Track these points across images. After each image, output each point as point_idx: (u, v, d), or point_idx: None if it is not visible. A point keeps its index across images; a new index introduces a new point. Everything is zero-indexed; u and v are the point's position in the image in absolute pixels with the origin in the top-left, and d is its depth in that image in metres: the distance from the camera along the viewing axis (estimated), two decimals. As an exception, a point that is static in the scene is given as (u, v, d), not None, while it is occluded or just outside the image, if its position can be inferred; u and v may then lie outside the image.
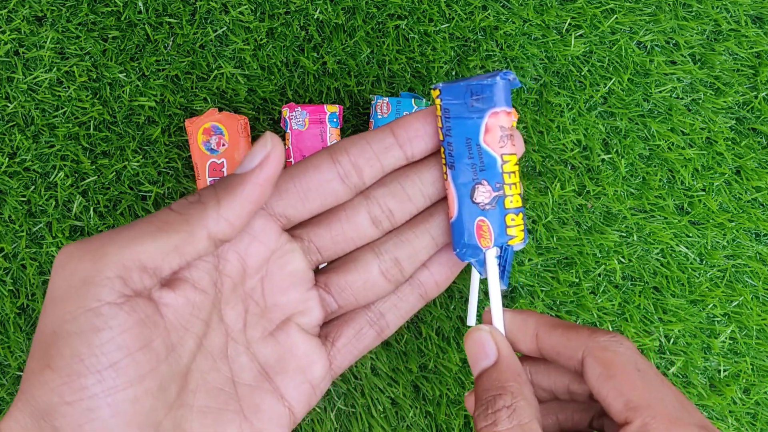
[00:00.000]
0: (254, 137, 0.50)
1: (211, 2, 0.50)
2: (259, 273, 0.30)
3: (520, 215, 0.31)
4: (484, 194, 0.30)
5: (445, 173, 0.31)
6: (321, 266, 0.32)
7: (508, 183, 0.30)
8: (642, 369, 0.29)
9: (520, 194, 0.31)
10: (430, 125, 0.31)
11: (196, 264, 0.28)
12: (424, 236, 0.32)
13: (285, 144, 0.49)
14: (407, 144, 0.31)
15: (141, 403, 0.25)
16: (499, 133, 0.30)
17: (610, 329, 0.51)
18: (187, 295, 0.27)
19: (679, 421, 0.27)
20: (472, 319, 0.33)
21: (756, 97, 0.53)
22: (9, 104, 0.49)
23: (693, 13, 0.53)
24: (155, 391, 0.25)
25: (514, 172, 0.31)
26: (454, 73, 0.51)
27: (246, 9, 0.50)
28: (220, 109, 0.50)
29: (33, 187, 0.49)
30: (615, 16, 0.52)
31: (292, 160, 0.47)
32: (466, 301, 0.50)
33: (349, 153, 0.30)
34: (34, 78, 0.49)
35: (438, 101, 0.30)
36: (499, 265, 0.32)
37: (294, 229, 0.31)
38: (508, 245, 0.31)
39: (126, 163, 0.50)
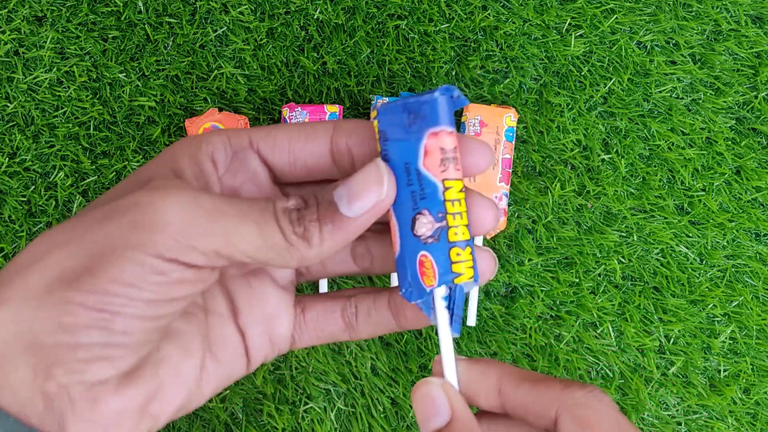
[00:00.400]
0: (254, 137, 0.50)
1: (211, 2, 0.50)
2: None
3: (468, 249, 0.28)
4: (425, 225, 0.27)
5: None
6: (291, 203, 0.31)
7: (451, 212, 0.27)
8: (624, 430, 0.26)
9: (467, 225, 0.27)
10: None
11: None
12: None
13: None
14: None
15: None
16: (440, 155, 0.27)
17: (611, 329, 0.51)
18: None
19: None
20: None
21: (756, 97, 0.53)
22: (9, 104, 0.49)
23: (693, 13, 0.53)
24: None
25: (459, 200, 0.27)
26: (454, 73, 0.51)
27: (246, 9, 0.50)
28: (220, 109, 0.50)
29: (33, 187, 0.49)
30: (615, 16, 0.52)
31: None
32: (466, 300, 0.50)
33: (350, 137, 0.29)
34: (34, 78, 0.49)
35: (375, 123, 0.27)
36: (448, 308, 0.28)
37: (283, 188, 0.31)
38: (455, 284, 0.27)
39: (126, 163, 0.50)
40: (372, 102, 0.48)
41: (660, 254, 0.52)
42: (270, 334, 0.30)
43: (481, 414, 0.30)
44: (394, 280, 0.49)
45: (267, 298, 0.30)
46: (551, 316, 0.51)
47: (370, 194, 0.26)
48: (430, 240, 0.27)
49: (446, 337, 0.28)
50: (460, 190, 0.27)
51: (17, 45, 0.49)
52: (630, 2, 0.52)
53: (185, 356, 0.28)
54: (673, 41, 0.53)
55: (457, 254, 0.27)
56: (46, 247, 0.25)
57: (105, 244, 0.25)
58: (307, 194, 0.27)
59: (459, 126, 0.50)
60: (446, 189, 0.27)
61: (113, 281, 0.24)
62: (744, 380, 0.52)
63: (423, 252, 0.27)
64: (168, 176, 0.28)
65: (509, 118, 0.49)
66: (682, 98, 0.52)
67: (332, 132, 0.29)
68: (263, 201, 0.26)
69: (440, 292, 0.28)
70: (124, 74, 0.49)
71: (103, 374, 0.24)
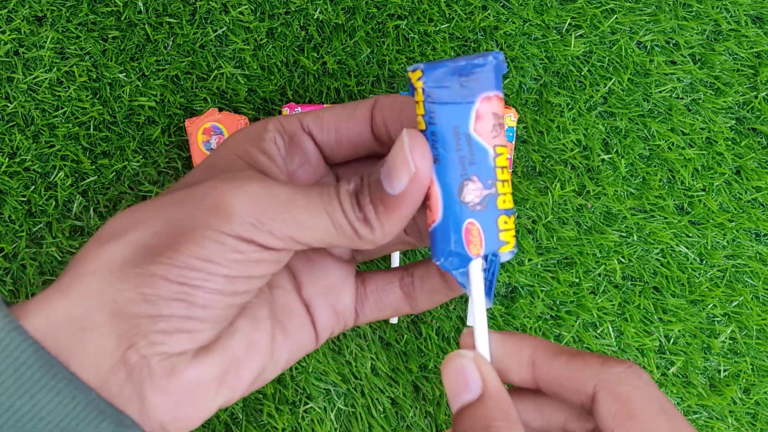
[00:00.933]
0: (254, 137, 0.50)
1: (211, 2, 0.50)
2: None
3: (512, 218, 0.27)
4: (474, 192, 0.26)
5: None
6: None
7: (500, 180, 0.26)
8: (667, 410, 0.25)
9: (511, 193, 0.27)
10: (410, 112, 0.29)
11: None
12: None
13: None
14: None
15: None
16: (492, 121, 0.26)
17: (611, 329, 0.51)
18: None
19: None
20: (472, 319, 0.31)
21: (756, 97, 0.53)
22: (9, 104, 0.49)
23: (693, 13, 0.53)
24: None
25: (506, 167, 0.26)
26: (454, 73, 0.51)
27: (246, 9, 0.50)
28: (220, 109, 0.50)
29: (33, 187, 0.49)
30: (615, 16, 0.52)
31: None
32: (466, 300, 0.50)
33: (384, 112, 0.30)
34: (34, 78, 0.49)
35: (419, 84, 0.26)
36: (486, 279, 0.27)
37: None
38: (495, 256, 0.27)
39: (126, 163, 0.50)
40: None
41: (660, 254, 0.52)
42: (334, 306, 0.31)
43: (511, 390, 0.29)
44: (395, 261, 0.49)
45: (328, 271, 0.31)
46: (551, 316, 0.51)
47: (402, 170, 0.25)
48: (478, 207, 0.26)
49: (480, 308, 0.27)
50: (507, 158, 0.26)
51: (17, 45, 0.49)
52: (630, 2, 0.52)
53: (255, 328, 0.28)
54: (673, 41, 0.53)
55: (504, 222, 0.26)
56: (127, 222, 0.26)
57: (185, 223, 0.25)
58: (363, 175, 0.27)
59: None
60: (497, 155, 0.26)
61: (194, 256, 0.24)
62: (744, 380, 0.52)
63: (470, 219, 0.26)
64: (240, 166, 0.28)
65: (509, 118, 0.49)
66: (682, 98, 0.52)
67: (372, 108, 0.29)
68: (327, 188, 0.26)
69: (479, 264, 0.27)
70: (124, 74, 0.49)
71: (182, 346, 0.25)
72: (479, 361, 0.27)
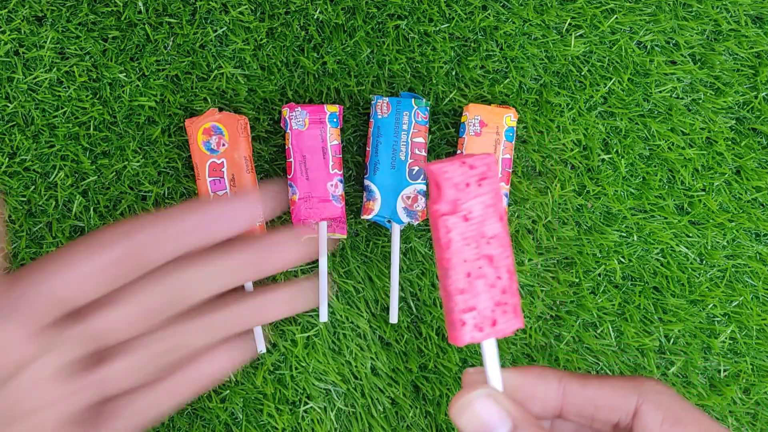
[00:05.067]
0: (254, 137, 0.50)
1: (211, 2, 0.50)
2: (11, 379, 0.27)
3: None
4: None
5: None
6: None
7: None
8: (702, 414, 0.27)
9: None
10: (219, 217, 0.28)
11: None
12: (201, 330, 0.29)
13: (285, 144, 0.49)
14: (189, 235, 0.28)
15: None
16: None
17: (611, 329, 0.51)
18: None
19: None
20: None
21: (756, 97, 0.53)
22: (9, 104, 0.49)
23: (693, 13, 0.53)
24: None
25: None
26: (454, 73, 0.51)
27: (246, 9, 0.50)
28: (220, 109, 0.50)
29: (33, 187, 0.49)
30: (615, 16, 0.52)
31: (292, 160, 0.47)
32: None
33: (127, 242, 0.28)
34: (34, 78, 0.49)
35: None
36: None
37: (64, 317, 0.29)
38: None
39: (126, 163, 0.50)
40: (372, 102, 0.48)
41: (660, 254, 0.52)
42: None
43: None
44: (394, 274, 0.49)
45: None
46: (551, 316, 0.51)
47: None
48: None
49: (491, 347, 0.27)
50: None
51: (17, 45, 0.49)
52: (630, 2, 0.52)
53: None
54: (673, 41, 0.53)
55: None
56: None
57: None
58: None
59: (459, 126, 0.50)
60: None
61: None
62: (744, 380, 0.52)
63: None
64: None
65: (509, 118, 0.49)
66: (682, 98, 0.52)
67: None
68: None
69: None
70: (124, 74, 0.49)
71: None
72: (495, 395, 0.27)
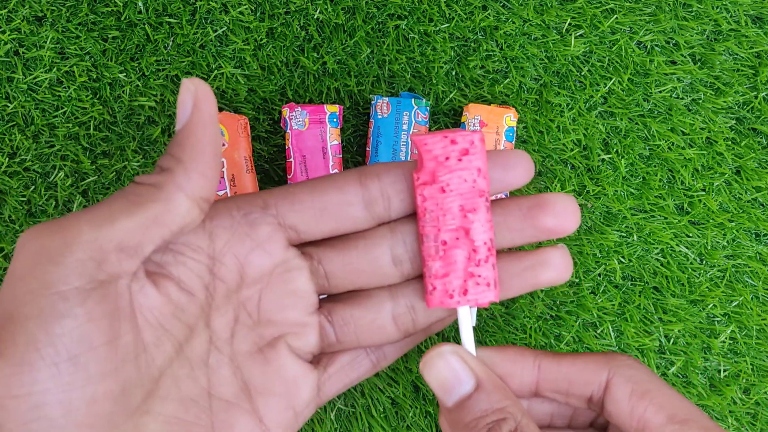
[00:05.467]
0: (254, 137, 0.50)
1: (211, 2, 0.50)
2: (258, 284, 0.27)
3: None
4: None
5: None
6: (322, 297, 0.30)
7: None
8: (671, 389, 0.27)
9: None
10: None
11: (186, 262, 0.26)
12: None
13: (285, 144, 0.49)
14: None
15: (98, 406, 0.22)
16: None
17: (611, 329, 0.51)
18: (170, 293, 0.25)
19: None
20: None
21: (756, 97, 0.53)
22: (9, 104, 0.49)
23: (693, 13, 0.53)
24: (117, 393, 0.23)
25: None
26: (454, 73, 0.51)
27: (246, 9, 0.50)
28: (220, 109, 0.50)
29: (33, 187, 0.49)
30: (615, 16, 0.52)
31: (292, 159, 0.47)
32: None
33: (381, 179, 0.27)
34: (34, 78, 0.49)
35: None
36: None
37: (304, 247, 0.29)
38: None
39: (126, 163, 0.50)
40: (372, 102, 0.48)
41: (660, 254, 0.52)
42: (293, 406, 0.28)
43: None
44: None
45: (284, 371, 0.28)
46: (551, 316, 0.51)
47: (186, 99, 0.25)
48: None
49: (465, 313, 0.28)
50: None
51: (17, 45, 0.49)
52: (630, 2, 0.52)
53: None
54: (673, 41, 0.53)
55: None
56: None
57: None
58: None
59: (459, 126, 0.50)
60: None
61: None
62: (744, 380, 0.52)
63: None
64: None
65: (509, 118, 0.49)
66: (682, 98, 0.52)
67: (360, 177, 0.28)
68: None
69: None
70: (124, 74, 0.49)
71: None
72: (460, 352, 0.27)
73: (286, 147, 0.48)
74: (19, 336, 0.21)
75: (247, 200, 0.28)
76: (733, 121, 0.53)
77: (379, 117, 0.48)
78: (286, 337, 0.28)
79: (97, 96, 0.50)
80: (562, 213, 0.27)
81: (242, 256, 0.27)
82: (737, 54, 0.53)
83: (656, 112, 0.52)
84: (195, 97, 0.25)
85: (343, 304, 0.29)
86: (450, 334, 0.51)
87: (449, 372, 0.27)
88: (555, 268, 0.28)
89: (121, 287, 0.23)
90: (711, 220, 0.52)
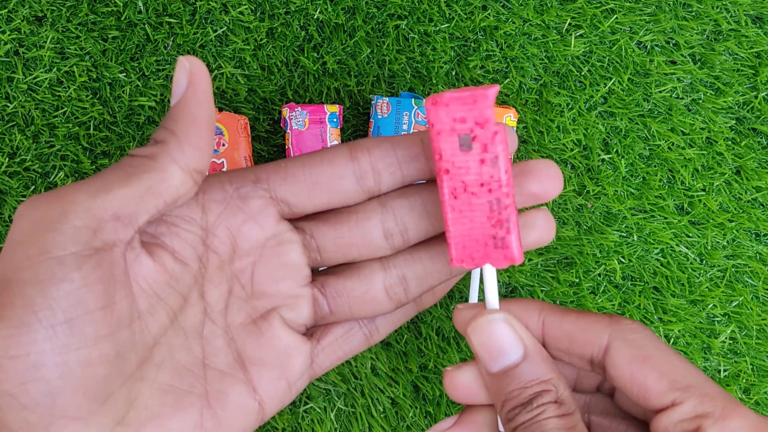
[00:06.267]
0: (254, 137, 0.50)
1: (211, 2, 0.50)
2: (250, 256, 0.28)
3: None
4: None
5: None
6: (317, 270, 0.30)
7: None
8: (675, 353, 0.27)
9: None
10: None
11: (180, 233, 0.26)
12: (440, 259, 0.29)
13: (285, 144, 0.49)
14: None
15: (93, 368, 0.23)
16: None
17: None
18: (165, 262, 0.26)
19: (734, 402, 0.25)
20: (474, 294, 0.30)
21: (756, 97, 0.53)
22: (9, 104, 0.49)
23: (693, 13, 0.53)
24: (111, 357, 0.23)
25: None
26: (454, 73, 0.51)
27: (246, 9, 0.50)
28: (220, 109, 0.50)
29: (33, 187, 0.49)
30: (615, 16, 0.52)
31: (292, 160, 0.47)
32: (466, 300, 0.50)
33: (371, 153, 0.28)
34: (34, 78, 0.49)
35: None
36: None
37: (297, 221, 0.29)
38: None
39: (126, 163, 0.50)
40: (372, 102, 0.48)
41: (660, 254, 0.52)
42: (285, 377, 0.28)
43: None
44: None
45: (277, 342, 0.28)
46: (551, 316, 0.51)
47: (181, 76, 0.26)
48: None
49: (492, 274, 0.28)
50: None
51: (17, 45, 0.49)
52: (630, 2, 0.52)
53: (176, 413, 0.26)
54: (673, 41, 0.53)
55: None
56: None
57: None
58: None
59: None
60: None
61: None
62: (744, 380, 0.52)
63: None
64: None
65: (509, 118, 0.49)
66: (682, 98, 0.52)
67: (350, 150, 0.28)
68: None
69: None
70: (124, 74, 0.49)
71: None
72: (512, 321, 0.27)
73: (286, 147, 0.48)
74: (17, 299, 0.22)
75: (239, 174, 0.28)
76: (733, 121, 0.53)
77: (379, 117, 0.48)
78: (279, 309, 0.28)
79: (97, 96, 0.50)
80: (547, 178, 0.28)
81: (234, 229, 0.28)
82: (737, 54, 0.53)
83: (656, 112, 0.52)
84: (190, 73, 0.25)
85: (335, 276, 0.29)
86: (450, 334, 0.51)
87: (498, 339, 0.27)
88: (540, 229, 0.29)
89: (116, 255, 0.24)
90: (711, 220, 0.52)
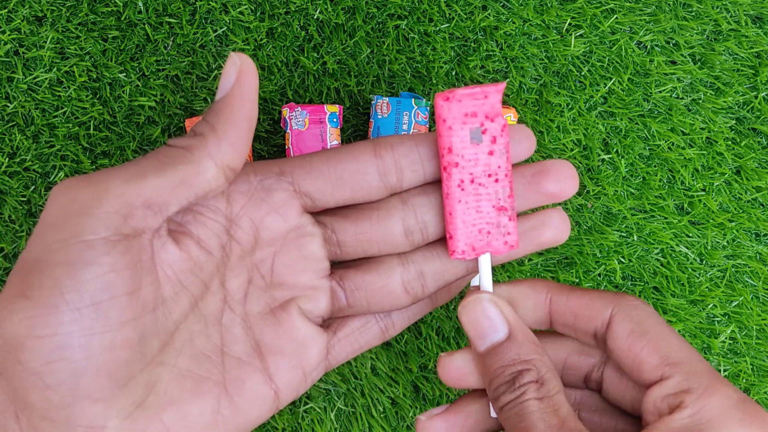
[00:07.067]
0: (254, 137, 0.50)
1: (211, 2, 0.50)
2: (272, 246, 0.28)
3: None
4: None
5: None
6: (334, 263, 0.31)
7: None
8: (673, 330, 0.28)
9: None
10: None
11: (206, 222, 0.27)
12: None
13: (285, 144, 0.49)
14: None
15: (117, 352, 0.23)
16: None
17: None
18: (190, 250, 0.26)
19: (719, 380, 0.26)
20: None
21: (756, 97, 0.53)
22: (9, 104, 0.49)
23: (693, 13, 0.53)
24: (134, 342, 0.24)
25: None
26: (454, 73, 0.51)
27: (246, 9, 0.50)
28: (220, 109, 0.50)
29: (33, 187, 0.49)
30: (615, 16, 0.52)
31: (292, 160, 0.47)
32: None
33: (394, 150, 0.29)
34: (34, 78, 0.49)
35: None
36: None
37: (318, 215, 0.30)
38: None
39: (126, 163, 0.50)
40: (372, 102, 0.48)
41: (660, 254, 0.52)
42: (302, 367, 0.29)
43: None
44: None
45: (295, 332, 0.29)
46: (551, 316, 0.51)
47: (230, 72, 0.26)
48: None
49: (486, 262, 0.30)
50: None
51: (17, 45, 0.49)
52: (630, 2, 0.52)
53: (194, 399, 0.26)
54: (673, 41, 0.53)
55: None
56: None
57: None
58: None
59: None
60: None
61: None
62: (744, 380, 0.52)
63: None
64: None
65: (509, 118, 0.49)
66: (682, 98, 0.52)
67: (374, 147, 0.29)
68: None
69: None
70: (124, 74, 0.49)
71: (92, 421, 0.23)
72: (498, 302, 0.29)
73: (286, 147, 0.48)
74: (45, 280, 0.22)
75: (264, 166, 0.29)
76: (733, 121, 0.53)
77: (379, 117, 0.48)
78: (297, 300, 0.29)
79: (97, 96, 0.50)
80: (563, 178, 0.29)
81: (258, 220, 0.28)
82: (737, 54, 0.53)
83: (656, 112, 0.52)
84: (239, 71, 0.26)
85: (354, 270, 0.30)
86: (450, 334, 0.51)
87: (485, 318, 0.28)
88: (556, 227, 0.29)
89: (144, 242, 0.24)
90: (711, 220, 0.52)
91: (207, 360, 0.27)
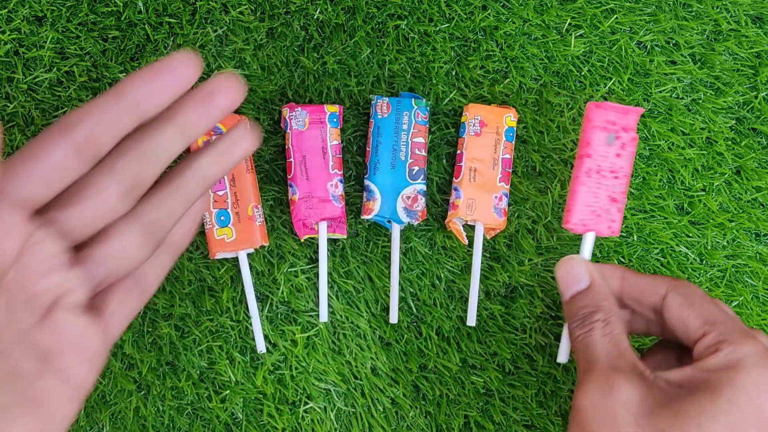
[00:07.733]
0: (254, 137, 0.50)
1: (211, 2, 0.50)
2: (15, 264, 0.29)
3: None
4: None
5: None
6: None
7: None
8: (717, 302, 0.38)
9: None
10: (161, 80, 0.30)
11: None
12: (177, 193, 0.32)
13: (285, 144, 0.49)
14: (141, 104, 0.30)
15: None
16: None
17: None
18: None
19: (750, 335, 0.34)
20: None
21: (756, 97, 0.53)
22: (9, 104, 0.49)
23: (693, 13, 0.53)
24: None
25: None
26: (454, 73, 0.51)
27: (246, 9, 0.50)
28: (220, 109, 0.50)
29: (33, 187, 0.49)
30: (615, 16, 0.52)
31: (292, 160, 0.47)
32: (466, 300, 0.50)
33: (83, 126, 0.29)
34: (34, 78, 0.49)
35: None
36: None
37: (44, 211, 0.30)
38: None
39: (126, 163, 0.50)
40: (372, 102, 0.48)
41: (660, 254, 0.52)
42: (89, 357, 0.31)
43: None
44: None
45: (69, 330, 0.30)
46: (551, 316, 0.51)
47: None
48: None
49: (590, 240, 0.43)
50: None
51: (17, 45, 0.49)
52: (630, 2, 0.52)
53: (10, 428, 0.27)
54: (673, 41, 0.53)
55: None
56: None
57: None
58: None
59: (459, 126, 0.50)
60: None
61: None
62: (744, 380, 0.52)
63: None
64: None
65: (509, 118, 0.49)
66: (682, 98, 0.52)
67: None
68: None
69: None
70: (124, 74, 0.49)
71: None
72: (586, 261, 0.41)
73: (286, 147, 0.48)
74: None
75: None
76: (733, 121, 0.53)
77: (379, 117, 0.48)
78: (58, 301, 0.30)
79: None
80: (229, 91, 0.31)
81: None
82: (737, 54, 0.53)
83: (656, 112, 0.52)
84: None
85: (91, 247, 0.31)
86: (450, 334, 0.51)
87: (573, 272, 0.40)
88: (226, 93, 0.31)
89: None
90: (711, 220, 0.52)
91: (6, 387, 0.28)
